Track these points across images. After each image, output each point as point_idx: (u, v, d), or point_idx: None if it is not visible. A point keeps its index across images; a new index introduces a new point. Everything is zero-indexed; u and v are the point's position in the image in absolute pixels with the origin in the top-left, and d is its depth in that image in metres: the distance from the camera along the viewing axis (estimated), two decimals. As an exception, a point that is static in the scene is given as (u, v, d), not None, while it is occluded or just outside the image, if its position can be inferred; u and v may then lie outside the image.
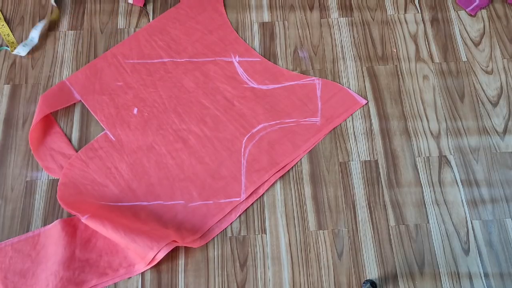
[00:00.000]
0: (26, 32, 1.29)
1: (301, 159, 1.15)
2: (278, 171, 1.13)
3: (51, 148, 1.15)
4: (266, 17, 1.34)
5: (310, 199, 1.10)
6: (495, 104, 1.22)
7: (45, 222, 1.07)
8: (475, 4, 1.34)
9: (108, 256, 1.03)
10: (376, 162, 1.14)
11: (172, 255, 1.02)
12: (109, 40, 1.30)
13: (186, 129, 1.18)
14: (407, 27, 1.32)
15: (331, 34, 1.31)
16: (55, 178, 1.12)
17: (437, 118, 1.19)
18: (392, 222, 1.07)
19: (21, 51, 1.25)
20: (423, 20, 1.33)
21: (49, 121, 1.19)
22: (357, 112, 1.20)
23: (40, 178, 1.12)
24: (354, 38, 1.31)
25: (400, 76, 1.25)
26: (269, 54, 1.29)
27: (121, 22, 1.33)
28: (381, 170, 1.13)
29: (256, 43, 1.30)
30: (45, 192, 1.11)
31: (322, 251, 1.04)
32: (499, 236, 1.06)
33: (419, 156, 1.15)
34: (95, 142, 1.16)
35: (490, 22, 1.33)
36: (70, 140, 1.17)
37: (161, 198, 1.10)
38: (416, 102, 1.22)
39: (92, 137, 1.17)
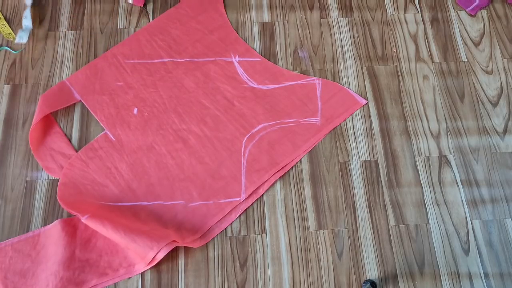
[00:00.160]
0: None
1: (301, 159, 1.15)
2: (278, 171, 1.13)
3: (51, 148, 1.15)
4: (266, 17, 1.34)
5: (310, 199, 1.10)
6: (495, 104, 1.22)
7: (45, 222, 1.07)
8: (475, 4, 1.34)
9: (108, 256, 1.03)
10: (376, 162, 1.14)
11: (172, 255, 1.02)
12: (109, 40, 1.30)
13: (186, 129, 1.18)
14: (407, 27, 1.32)
15: (331, 34, 1.31)
16: (55, 178, 1.12)
17: (437, 118, 1.20)
18: (392, 222, 1.07)
19: (23, 37, 1.25)
20: (423, 20, 1.33)
21: (49, 121, 1.19)
22: (357, 112, 1.20)
23: (40, 178, 1.12)
24: (354, 38, 1.31)
25: (400, 76, 1.25)
26: (269, 54, 1.29)
27: (121, 22, 1.33)
28: (381, 170, 1.13)
29: (256, 43, 1.30)
30: (45, 192, 1.11)
31: (322, 251, 1.04)
32: (499, 236, 1.06)
33: (419, 156, 1.15)
34: (95, 142, 1.16)
35: (490, 22, 1.33)
36: (70, 140, 1.17)
37: (161, 198, 1.10)
38: (416, 102, 1.22)
39: (92, 137, 1.17)
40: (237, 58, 1.28)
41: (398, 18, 1.34)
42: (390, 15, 1.34)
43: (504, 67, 1.26)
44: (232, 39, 1.30)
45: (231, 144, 1.16)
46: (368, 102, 1.22)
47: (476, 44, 1.30)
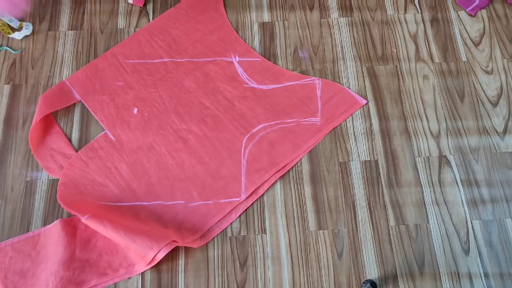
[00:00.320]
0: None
1: (301, 159, 1.15)
2: (278, 171, 1.13)
3: (51, 148, 1.15)
4: (266, 17, 1.34)
5: (310, 199, 1.10)
6: (495, 104, 1.22)
7: (45, 222, 1.07)
8: (475, 4, 1.34)
9: (108, 256, 1.03)
10: (376, 162, 1.14)
11: (172, 255, 1.02)
12: (109, 40, 1.30)
13: (186, 129, 1.18)
14: (407, 27, 1.32)
15: (331, 34, 1.31)
16: (55, 178, 1.12)
17: (437, 118, 1.20)
18: (392, 222, 1.07)
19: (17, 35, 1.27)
20: (423, 20, 1.33)
21: (49, 121, 1.19)
22: (357, 112, 1.20)
23: (40, 178, 1.12)
24: (354, 38, 1.31)
25: (400, 76, 1.25)
26: (269, 54, 1.29)
27: (121, 22, 1.33)
28: (381, 170, 1.13)
29: (256, 43, 1.30)
30: (45, 192, 1.11)
31: (322, 251, 1.04)
32: (499, 236, 1.06)
33: (419, 156, 1.15)
34: (95, 142, 1.16)
35: (490, 22, 1.33)
36: (70, 140, 1.17)
37: (161, 198, 1.10)
38: (416, 102, 1.22)
39: (92, 137, 1.17)
40: (237, 58, 1.28)
41: (398, 18, 1.34)
42: (390, 15, 1.34)
43: (504, 67, 1.26)
44: (232, 39, 1.30)
45: (231, 144, 1.16)
46: (368, 102, 1.22)
47: (476, 44, 1.30)
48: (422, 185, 1.11)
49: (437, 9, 1.35)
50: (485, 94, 1.23)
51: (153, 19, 1.33)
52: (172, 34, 1.31)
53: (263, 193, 1.11)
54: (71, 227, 1.05)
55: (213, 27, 1.32)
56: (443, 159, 1.15)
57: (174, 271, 1.03)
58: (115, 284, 1.01)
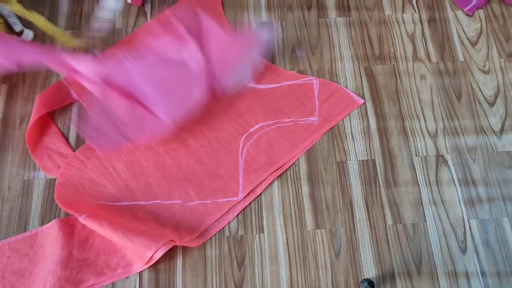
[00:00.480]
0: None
1: (298, 158, 1.15)
2: (276, 170, 1.13)
3: (48, 147, 1.15)
4: (264, 17, 1.34)
5: (308, 199, 1.10)
6: (492, 104, 1.22)
7: (43, 222, 1.07)
8: (472, 4, 1.35)
9: (105, 256, 1.03)
10: (374, 161, 1.14)
11: (170, 255, 1.02)
12: (107, 39, 1.30)
13: (184, 128, 1.18)
14: (405, 27, 1.33)
15: (328, 34, 1.31)
16: (53, 177, 1.12)
17: (434, 117, 1.20)
18: (389, 221, 1.08)
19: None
20: (420, 20, 1.34)
21: (46, 121, 1.18)
22: (354, 111, 1.20)
23: (38, 177, 1.12)
24: (351, 38, 1.31)
25: (397, 75, 1.25)
26: (267, 54, 1.29)
27: (119, 22, 1.33)
28: (378, 170, 1.13)
29: (254, 42, 1.30)
30: (42, 192, 1.10)
31: (320, 250, 1.05)
32: (496, 235, 1.06)
33: (416, 155, 1.15)
34: (93, 141, 1.16)
35: (487, 22, 1.33)
36: (67, 139, 1.17)
37: (159, 197, 1.10)
38: (413, 102, 1.22)
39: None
40: (235, 58, 1.28)
41: (396, 18, 1.34)
42: (388, 15, 1.34)
43: (501, 67, 1.27)
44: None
45: (229, 144, 1.16)
46: (365, 101, 1.22)
47: (473, 44, 1.30)
48: (420, 184, 1.12)
49: (435, 9, 1.35)
50: (482, 94, 1.23)
51: (150, 18, 1.33)
52: (171, 34, 1.30)
53: (261, 193, 1.11)
54: (69, 227, 1.04)
55: (211, 26, 1.31)
56: (440, 159, 1.15)
57: (172, 271, 1.03)
58: (113, 284, 1.01)
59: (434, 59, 1.28)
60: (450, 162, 1.14)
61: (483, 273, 1.03)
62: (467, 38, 1.31)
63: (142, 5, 1.35)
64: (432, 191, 1.11)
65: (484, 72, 1.26)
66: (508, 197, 1.10)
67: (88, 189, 1.10)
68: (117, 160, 1.14)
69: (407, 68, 1.27)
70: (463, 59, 1.28)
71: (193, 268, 1.03)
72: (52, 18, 1.32)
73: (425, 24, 1.33)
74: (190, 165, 1.13)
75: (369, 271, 1.03)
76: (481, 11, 1.35)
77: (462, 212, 1.09)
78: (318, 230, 1.07)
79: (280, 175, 1.13)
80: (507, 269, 1.03)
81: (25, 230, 1.06)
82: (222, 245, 1.05)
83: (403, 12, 1.35)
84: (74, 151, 1.15)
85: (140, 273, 1.02)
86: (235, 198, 1.09)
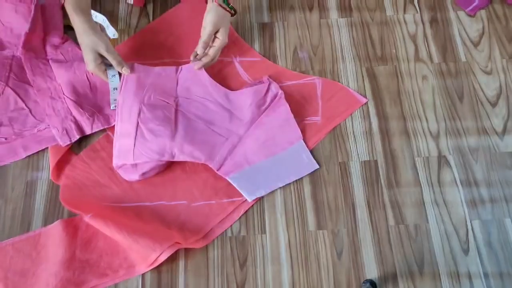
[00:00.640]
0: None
1: (300, 159, 1.15)
2: (278, 171, 1.13)
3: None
4: (266, 18, 1.34)
5: (310, 199, 1.10)
6: (494, 105, 1.22)
7: (46, 222, 1.07)
8: (474, 4, 1.35)
9: (108, 257, 1.03)
10: (376, 162, 1.14)
11: (172, 256, 1.02)
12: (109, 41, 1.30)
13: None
14: (406, 27, 1.33)
15: (330, 35, 1.32)
16: (56, 178, 1.12)
17: (436, 118, 1.20)
18: (391, 222, 1.08)
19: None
20: (422, 20, 1.34)
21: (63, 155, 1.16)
22: (356, 112, 1.21)
23: (41, 178, 1.12)
24: (353, 38, 1.31)
25: (399, 76, 1.25)
26: (269, 55, 1.29)
27: (121, 23, 1.33)
28: (380, 170, 1.13)
29: (256, 44, 1.31)
30: (45, 192, 1.11)
31: (322, 251, 1.05)
32: (499, 236, 1.06)
33: (418, 156, 1.15)
34: (97, 143, 1.16)
35: (490, 22, 1.33)
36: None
37: (163, 198, 1.10)
38: (415, 103, 1.22)
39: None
40: (238, 58, 1.28)
41: (397, 19, 1.34)
42: (390, 15, 1.35)
43: (503, 68, 1.27)
44: (233, 40, 1.30)
45: (232, 144, 1.16)
46: (368, 101, 1.22)
47: (475, 45, 1.30)
48: (422, 185, 1.12)
49: (437, 9, 1.35)
50: (484, 95, 1.23)
51: (153, 19, 1.34)
52: (173, 35, 1.31)
53: (263, 193, 1.11)
54: (72, 228, 1.05)
55: (213, 27, 1.31)
56: (442, 159, 1.15)
57: (174, 272, 1.03)
58: (115, 285, 1.01)
59: (436, 59, 1.28)
60: (452, 163, 1.14)
61: (485, 274, 1.03)
62: (469, 38, 1.31)
63: (144, 6, 1.35)
64: (434, 192, 1.11)
65: (486, 72, 1.26)
66: (510, 197, 1.10)
67: (93, 190, 1.10)
68: (119, 161, 1.14)
69: (409, 69, 1.27)
70: (465, 60, 1.28)
71: (195, 269, 1.03)
72: (55, 19, 1.32)
73: (427, 25, 1.33)
74: (194, 165, 1.13)
75: (371, 271, 1.03)
76: (483, 12, 1.35)
77: (464, 213, 1.09)
78: (320, 230, 1.07)
79: (282, 175, 1.13)
80: (510, 270, 1.03)
81: (28, 231, 1.07)
82: (224, 246, 1.05)
83: (404, 12, 1.35)
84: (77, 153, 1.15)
85: (143, 274, 1.02)
86: (240, 198, 1.09)
